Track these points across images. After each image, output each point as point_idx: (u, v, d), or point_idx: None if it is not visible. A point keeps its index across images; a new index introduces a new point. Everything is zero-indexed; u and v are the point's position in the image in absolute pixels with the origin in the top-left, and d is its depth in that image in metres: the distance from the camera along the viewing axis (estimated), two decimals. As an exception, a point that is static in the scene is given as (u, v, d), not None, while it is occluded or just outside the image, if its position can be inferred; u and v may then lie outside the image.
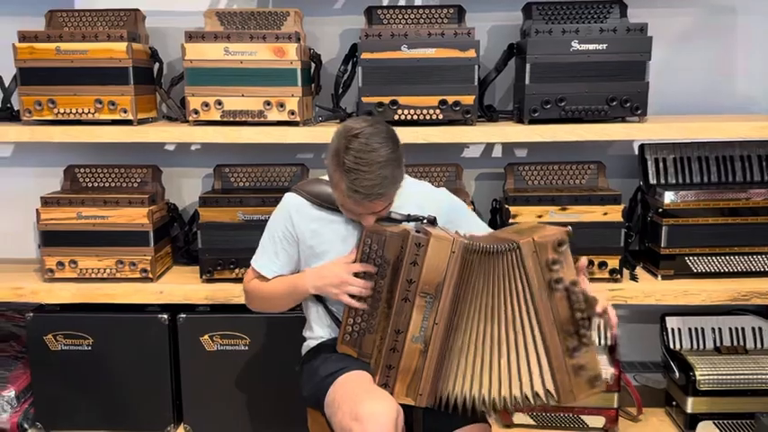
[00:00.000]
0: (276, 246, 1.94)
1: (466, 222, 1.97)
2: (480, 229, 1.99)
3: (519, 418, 2.53)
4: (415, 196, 1.94)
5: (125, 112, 2.43)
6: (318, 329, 1.99)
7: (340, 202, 1.82)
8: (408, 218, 1.86)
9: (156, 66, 2.65)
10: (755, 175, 2.57)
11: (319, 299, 1.96)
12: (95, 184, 2.67)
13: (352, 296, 1.80)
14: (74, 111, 2.43)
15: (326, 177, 1.98)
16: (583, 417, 2.51)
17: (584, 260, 1.78)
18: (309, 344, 2.03)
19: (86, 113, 2.43)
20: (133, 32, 2.47)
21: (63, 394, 2.55)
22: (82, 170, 2.67)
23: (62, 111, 2.42)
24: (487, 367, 1.73)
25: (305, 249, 1.93)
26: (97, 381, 2.54)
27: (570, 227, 1.74)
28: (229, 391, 2.53)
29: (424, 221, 1.84)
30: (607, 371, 2.46)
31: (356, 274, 1.80)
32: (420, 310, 1.73)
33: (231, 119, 2.42)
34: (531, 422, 2.54)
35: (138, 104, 2.46)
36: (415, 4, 2.68)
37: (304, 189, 1.95)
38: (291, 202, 1.94)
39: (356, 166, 1.69)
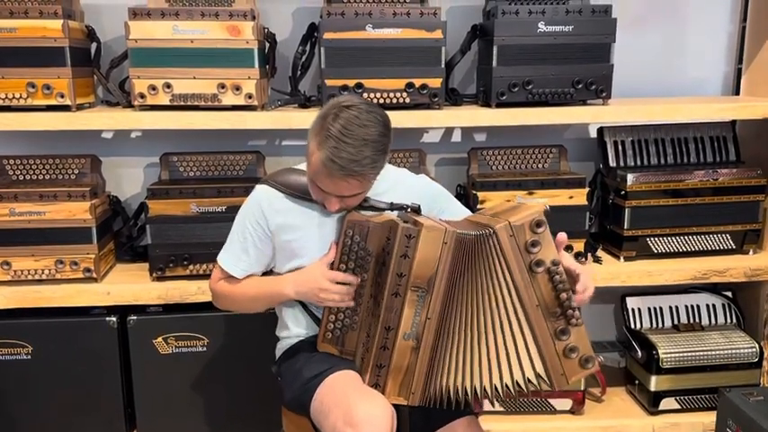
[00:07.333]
0: (246, 242, 1.81)
1: (448, 207, 1.89)
2: (463, 212, 1.90)
3: (488, 405, 2.48)
4: (397, 184, 1.84)
5: (62, 96, 2.20)
6: (295, 328, 1.87)
7: (309, 176, 1.68)
8: (392, 206, 1.77)
9: (94, 46, 2.42)
10: (708, 156, 2.63)
11: (297, 298, 1.84)
12: (27, 177, 2.42)
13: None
14: (2, 96, 2.18)
15: (298, 166, 1.86)
16: (550, 400, 2.51)
17: (562, 236, 1.70)
18: (285, 344, 1.90)
19: (17, 98, 2.19)
20: (68, 8, 2.24)
21: (-2, 409, 2.32)
22: (11, 161, 2.40)
23: (-12, 96, 2.18)
24: (477, 358, 1.66)
25: (280, 244, 1.80)
26: (38, 392, 2.31)
27: (547, 205, 1.68)
28: (187, 395, 2.37)
29: (408, 210, 1.75)
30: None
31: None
32: (411, 305, 1.63)
33: (182, 103, 2.24)
34: (500, 409, 2.52)
35: (76, 88, 2.24)
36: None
37: (275, 179, 1.81)
38: (262, 194, 1.80)
39: (341, 135, 1.57)
